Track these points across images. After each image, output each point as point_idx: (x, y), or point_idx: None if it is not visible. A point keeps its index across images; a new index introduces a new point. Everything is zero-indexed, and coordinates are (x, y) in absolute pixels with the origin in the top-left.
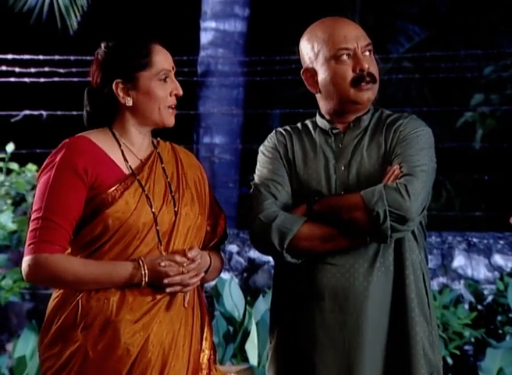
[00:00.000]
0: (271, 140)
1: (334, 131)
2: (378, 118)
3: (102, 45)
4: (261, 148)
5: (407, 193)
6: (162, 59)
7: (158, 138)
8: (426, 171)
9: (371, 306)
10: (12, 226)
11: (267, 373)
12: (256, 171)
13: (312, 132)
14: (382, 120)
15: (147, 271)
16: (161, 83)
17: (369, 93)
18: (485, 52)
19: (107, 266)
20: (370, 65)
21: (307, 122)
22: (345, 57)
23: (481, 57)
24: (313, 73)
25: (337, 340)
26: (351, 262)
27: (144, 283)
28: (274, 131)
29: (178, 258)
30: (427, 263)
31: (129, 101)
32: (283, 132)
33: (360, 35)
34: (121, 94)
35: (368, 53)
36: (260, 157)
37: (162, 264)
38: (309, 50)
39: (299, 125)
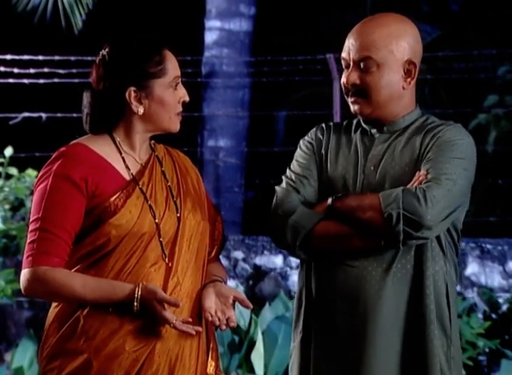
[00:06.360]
0: (310, 134)
1: (372, 131)
2: (422, 123)
3: (109, 48)
4: (301, 141)
5: (424, 199)
6: (174, 66)
7: (153, 141)
8: (453, 180)
9: (381, 311)
10: (1, 227)
11: (290, 373)
12: (291, 164)
13: (353, 130)
14: (424, 125)
15: (138, 303)
16: (172, 91)
17: None
18: (500, 52)
19: (106, 288)
20: None
21: (354, 120)
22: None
23: (496, 57)
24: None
25: (345, 343)
26: (365, 264)
27: (136, 309)
28: (316, 126)
29: (168, 314)
30: (456, 277)
31: (141, 110)
32: (324, 127)
33: None
34: (134, 102)
35: None
36: (297, 150)
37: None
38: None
39: (344, 122)
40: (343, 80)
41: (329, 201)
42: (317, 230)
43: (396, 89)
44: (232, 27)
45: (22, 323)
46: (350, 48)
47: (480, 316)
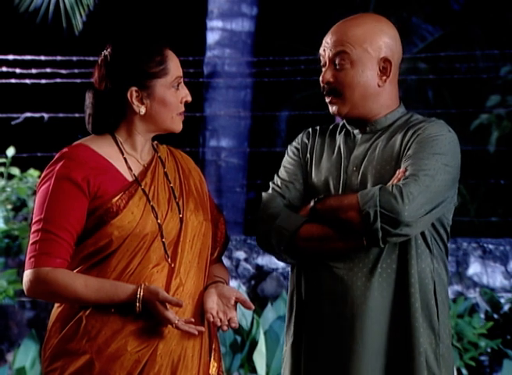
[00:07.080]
0: (297, 139)
1: (355, 132)
2: (405, 121)
3: (111, 48)
4: (288, 147)
5: (400, 195)
6: (176, 66)
7: (156, 142)
8: (431, 176)
9: (368, 312)
10: (3, 227)
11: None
12: (279, 171)
13: (338, 132)
14: (406, 123)
15: (140, 303)
16: (174, 91)
17: None
18: (502, 52)
19: (108, 289)
20: None
21: (341, 122)
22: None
23: (498, 57)
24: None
25: (333, 345)
26: (350, 266)
27: (138, 310)
28: (303, 131)
29: (170, 315)
30: (447, 274)
31: (142, 110)
32: (310, 131)
33: None
34: (135, 102)
35: None
36: (285, 156)
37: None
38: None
39: (331, 125)
40: (320, 79)
41: (312, 203)
42: (301, 232)
43: (371, 86)
44: (234, 27)
45: (24, 323)
46: (325, 45)
47: (482, 316)
